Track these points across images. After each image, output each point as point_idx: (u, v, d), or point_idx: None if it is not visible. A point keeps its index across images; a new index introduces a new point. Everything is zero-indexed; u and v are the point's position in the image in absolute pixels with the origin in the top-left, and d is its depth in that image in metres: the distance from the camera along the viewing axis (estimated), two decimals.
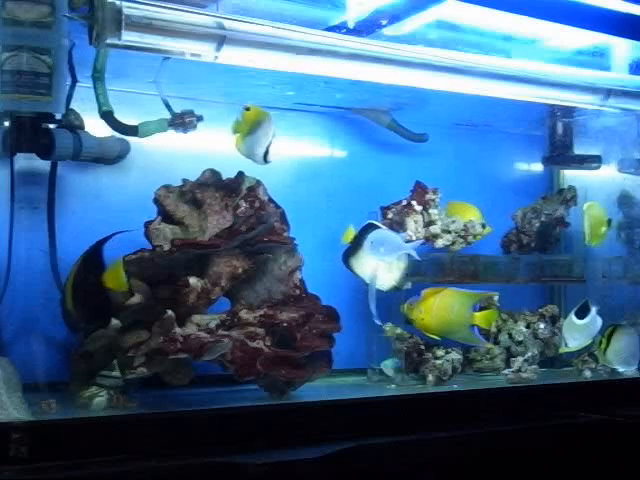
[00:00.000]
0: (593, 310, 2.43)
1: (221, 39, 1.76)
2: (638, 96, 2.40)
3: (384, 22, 2.05)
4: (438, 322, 2.27)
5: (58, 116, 1.86)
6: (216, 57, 1.80)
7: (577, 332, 2.44)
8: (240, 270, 2.05)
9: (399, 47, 2.01)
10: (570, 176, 2.92)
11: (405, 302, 2.29)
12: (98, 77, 1.96)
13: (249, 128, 2.02)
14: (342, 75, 2.01)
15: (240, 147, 2.04)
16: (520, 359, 2.46)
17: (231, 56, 1.82)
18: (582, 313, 2.44)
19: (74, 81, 1.97)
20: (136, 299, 1.92)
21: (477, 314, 2.30)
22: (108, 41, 1.67)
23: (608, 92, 2.34)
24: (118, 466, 1.58)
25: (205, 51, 1.78)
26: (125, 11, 1.65)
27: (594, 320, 2.43)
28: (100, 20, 1.65)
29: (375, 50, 1.98)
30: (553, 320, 2.66)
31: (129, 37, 1.68)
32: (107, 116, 2.01)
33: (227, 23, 1.78)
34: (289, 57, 1.87)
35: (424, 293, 2.28)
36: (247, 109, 2.02)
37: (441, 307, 2.26)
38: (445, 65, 2.07)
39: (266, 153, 2.01)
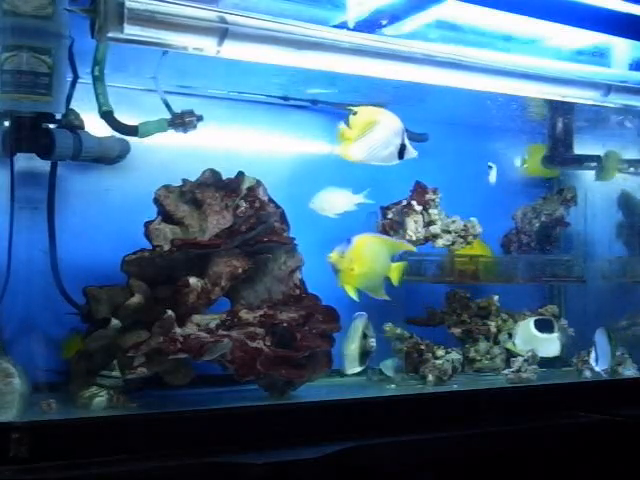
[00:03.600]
0: (555, 334, 2.43)
1: (223, 33, 1.76)
2: (639, 92, 2.39)
3: (384, 22, 2.04)
4: (365, 273, 2.06)
5: (58, 116, 1.86)
6: (218, 51, 1.79)
7: (533, 341, 2.44)
8: (240, 270, 2.04)
9: (400, 42, 2.01)
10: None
11: (334, 251, 2.05)
12: (98, 76, 1.96)
13: (361, 131, 1.99)
14: (344, 70, 2.00)
15: (353, 154, 2.01)
16: (520, 359, 2.46)
17: (233, 50, 1.82)
18: (543, 325, 2.45)
19: (75, 78, 1.97)
20: (136, 299, 1.93)
21: (392, 265, 2.16)
22: (110, 34, 1.65)
23: (608, 88, 2.33)
24: (118, 466, 1.58)
25: (207, 45, 1.78)
26: (127, 4, 1.64)
27: (553, 341, 2.43)
28: (102, 13, 1.63)
29: (377, 45, 1.97)
30: None
31: (131, 30, 1.66)
32: (107, 116, 2.01)
33: (229, 17, 1.77)
34: (291, 52, 1.86)
35: (356, 240, 2.06)
36: (354, 113, 1.97)
37: (369, 256, 2.08)
38: (445, 61, 2.06)
39: (402, 149, 1.97)
